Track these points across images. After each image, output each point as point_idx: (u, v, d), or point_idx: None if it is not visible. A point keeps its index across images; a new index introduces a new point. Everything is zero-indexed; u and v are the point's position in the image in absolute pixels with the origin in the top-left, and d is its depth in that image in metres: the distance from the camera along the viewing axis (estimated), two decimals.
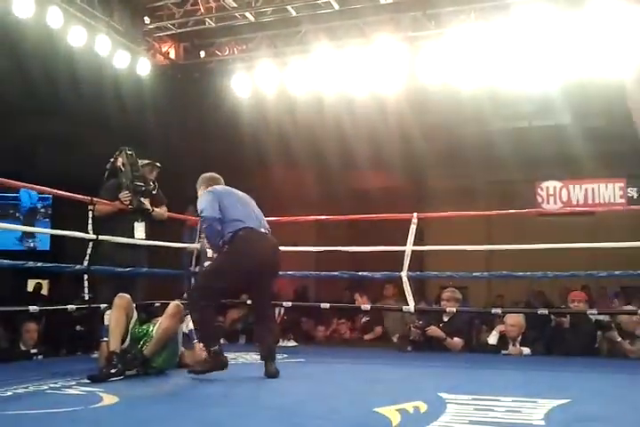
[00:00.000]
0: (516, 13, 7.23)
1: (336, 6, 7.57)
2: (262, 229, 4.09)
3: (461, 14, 7.66)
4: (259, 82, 8.59)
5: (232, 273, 3.92)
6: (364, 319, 7.17)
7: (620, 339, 5.02)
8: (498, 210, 7.23)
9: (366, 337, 7.03)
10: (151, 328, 4.09)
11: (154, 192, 5.35)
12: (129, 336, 4.01)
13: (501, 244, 6.72)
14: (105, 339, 4.03)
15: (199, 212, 4.01)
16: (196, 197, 4.21)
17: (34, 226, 11.77)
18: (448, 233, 8.24)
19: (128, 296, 4.09)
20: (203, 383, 3.72)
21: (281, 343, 6.66)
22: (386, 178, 11.65)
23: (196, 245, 5.92)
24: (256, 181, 11.81)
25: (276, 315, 7.26)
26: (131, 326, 4.04)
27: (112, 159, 5.22)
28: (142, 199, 5.19)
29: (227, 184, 4.33)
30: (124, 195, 5.08)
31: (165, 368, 4.08)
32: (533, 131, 10.30)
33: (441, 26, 7.75)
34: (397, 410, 2.89)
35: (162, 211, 5.40)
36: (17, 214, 12.47)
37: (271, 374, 3.87)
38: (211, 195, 4.03)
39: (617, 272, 5.28)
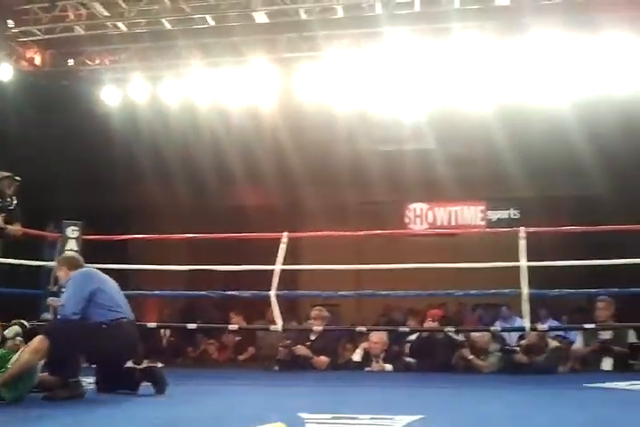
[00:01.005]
0: (387, 41, 7.52)
1: (212, 23, 7.54)
2: (132, 317, 4.21)
3: (335, 39, 7.87)
4: (131, 94, 8.37)
5: (95, 352, 4.05)
6: (236, 339, 7.09)
7: (471, 356, 5.28)
8: (369, 230, 7.42)
9: (240, 358, 6.96)
10: (10, 356, 3.82)
11: (10, 208, 5.03)
12: None
13: (372, 263, 6.89)
14: None
15: (64, 300, 4.00)
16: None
17: None
18: (322, 252, 8.36)
19: None
20: (55, 412, 3.48)
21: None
22: (262, 195, 11.66)
23: (55, 263, 5.63)
24: (127, 195, 11.50)
25: (162, 336, 7.05)
26: None
27: None
28: None
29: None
30: None
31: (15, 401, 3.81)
32: (402, 154, 10.69)
33: (316, 49, 7.91)
34: None
35: (16, 228, 5.09)
36: None
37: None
38: (81, 286, 4.03)
39: (472, 291, 5.57)
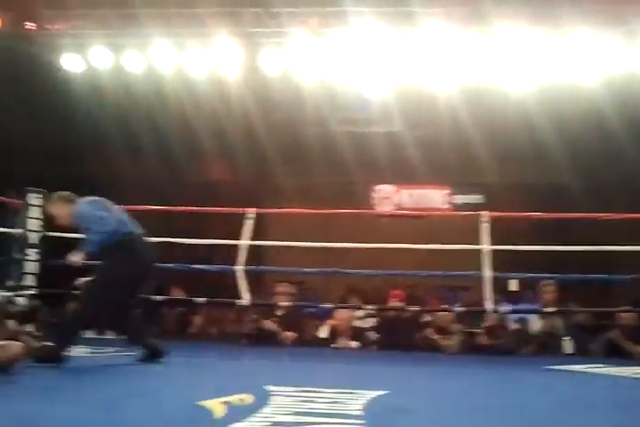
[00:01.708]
0: (354, 23, 7.46)
1: None
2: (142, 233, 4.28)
3: (302, 16, 7.75)
4: (93, 60, 8.13)
5: (129, 279, 4.09)
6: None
7: (436, 336, 5.37)
8: (338, 209, 7.44)
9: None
10: None
11: None
12: None
13: (339, 242, 6.91)
14: None
15: (90, 225, 4.03)
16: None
17: None
18: (289, 229, 8.36)
19: None
20: (23, 376, 3.45)
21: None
22: (231, 170, 11.59)
23: (19, 231, 5.55)
24: (94, 167, 11.29)
25: None
26: None
27: None
28: None
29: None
30: None
31: None
32: (370, 136, 10.71)
33: (281, 26, 7.77)
34: (222, 402, 2.88)
35: None
36: None
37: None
38: (93, 213, 4.08)
39: (437, 272, 5.65)
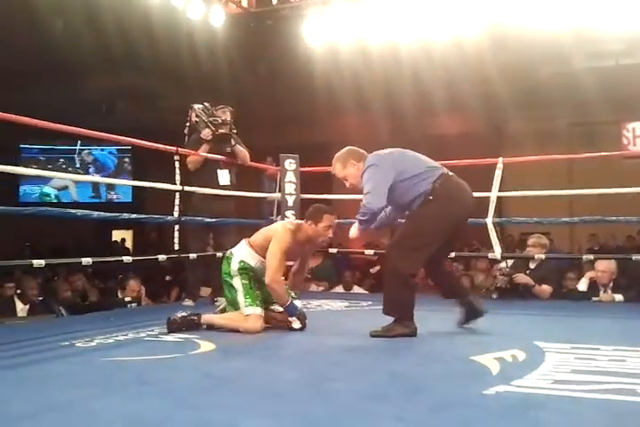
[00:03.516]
0: None
1: None
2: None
3: None
4: (332, 26, 8.37)
5: (445, 224, 3.47)
6: None
7: None
8: (580, 153, 6.90)
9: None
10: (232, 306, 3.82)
11: (234, 131, 5.23)
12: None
13: (584, 188, 6.39)
14: None
15: (366, 192, 3.45)
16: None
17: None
18: (528, 178, 7.99)
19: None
20: (300, 335, 3.67)
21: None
22: (463, 123, 11.39)
23: (276, 195, 5.93)
24: (329, 129, 11.79)
25: None
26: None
27: (187, 123, 5.15)
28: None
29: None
30: (205, 132, 5.00)
31: None
32: (620, 70, 9.76)
33: None
34: (495, 359, 2.85)
35: (245, 151, 5.29)
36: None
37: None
38: (379, 172, 3.46)
39: None
